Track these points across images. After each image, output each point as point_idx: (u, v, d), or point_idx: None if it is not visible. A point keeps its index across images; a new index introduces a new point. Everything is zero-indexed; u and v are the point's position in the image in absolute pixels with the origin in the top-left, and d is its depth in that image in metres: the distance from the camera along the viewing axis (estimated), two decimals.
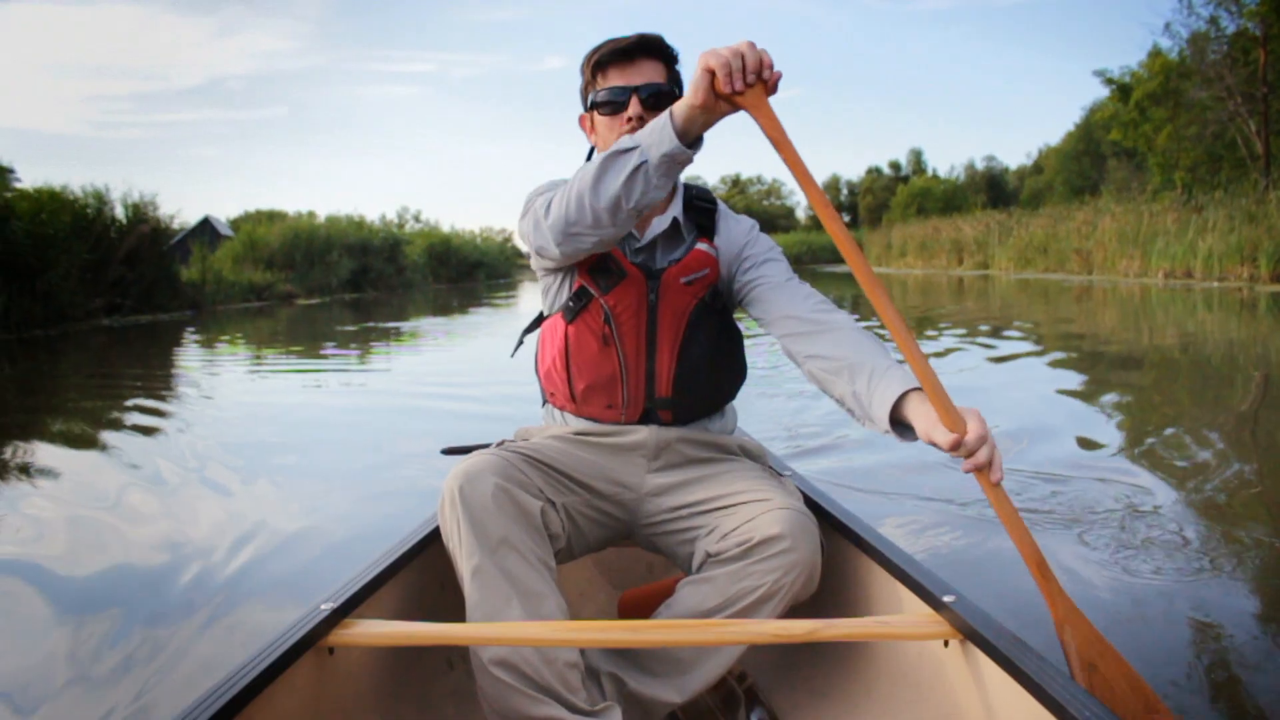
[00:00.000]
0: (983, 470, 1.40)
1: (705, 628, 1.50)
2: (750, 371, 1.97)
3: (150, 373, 9.61)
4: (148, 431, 5.81)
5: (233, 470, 4.56)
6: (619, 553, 2.36)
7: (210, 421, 6.19)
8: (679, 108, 1.48)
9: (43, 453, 5.35)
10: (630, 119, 1.75)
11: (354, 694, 1.58)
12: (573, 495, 1.76)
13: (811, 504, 1.88)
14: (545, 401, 1.97)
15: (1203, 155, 24.18)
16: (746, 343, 1.94)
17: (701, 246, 1.82)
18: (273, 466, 4.72)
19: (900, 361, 1.58)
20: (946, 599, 1.47)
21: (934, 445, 1.42)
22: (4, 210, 13.75)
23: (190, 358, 11.16)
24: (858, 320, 1.76)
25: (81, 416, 6.71)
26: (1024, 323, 11.64)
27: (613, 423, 1.83)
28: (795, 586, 1.59)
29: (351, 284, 26.92)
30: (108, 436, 5.73)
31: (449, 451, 2.16)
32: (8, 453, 5.31)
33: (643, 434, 1.82)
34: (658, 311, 1.77)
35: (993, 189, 57.49)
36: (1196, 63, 24.66)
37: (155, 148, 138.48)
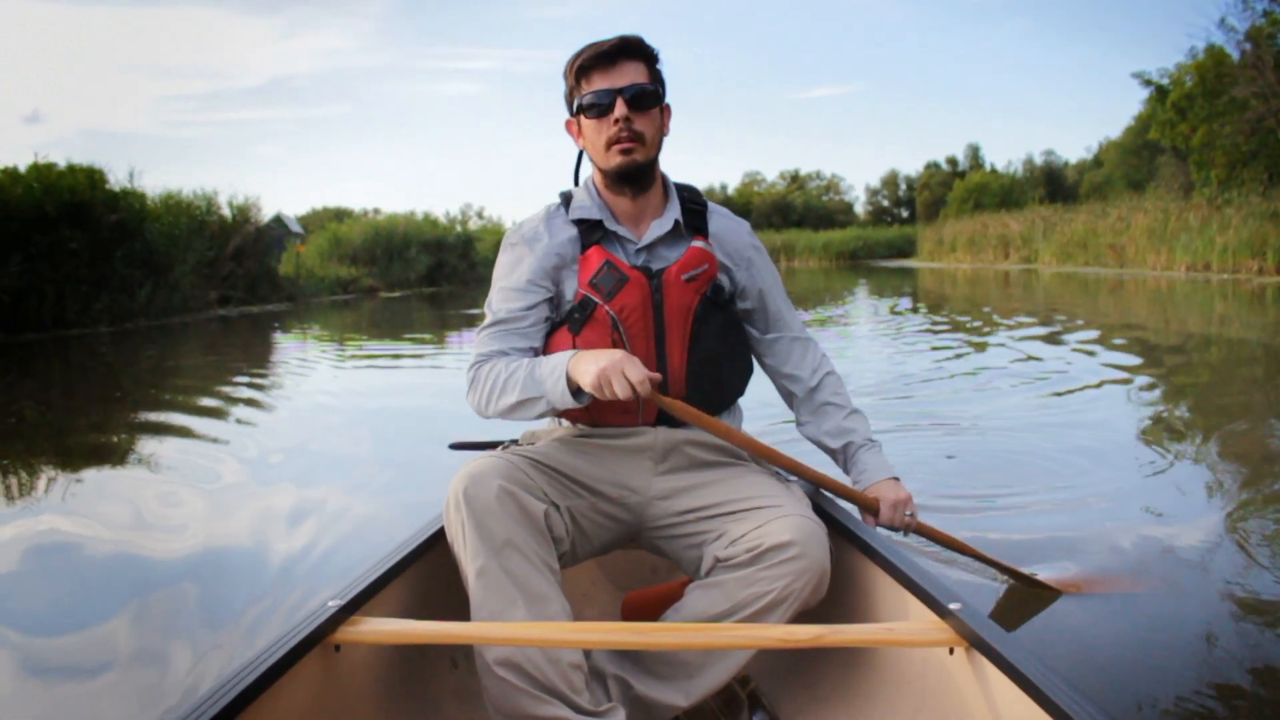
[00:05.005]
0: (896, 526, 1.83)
1: (710, 631, 1.53)
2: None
3: (252, 358, 11.07)
4: (231, 417, 6.50)
5: (301, 460, 5.04)
6: (622, 555, 2.34)
7: (293, 411, 6.87)
8: (587, 379, 1.63)
9: (145, 438, 5.95)
10: (617, 120, 1.78)
11: (359, 691, 1.61)
12: (577, 498, 1.77)
13: (819, 509, 1.87)
14: (555, 419, 1.98)
15: (1239, 154, 24.70)
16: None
17: (698, 244, 1.86)
18: (337, 455, 5.15)
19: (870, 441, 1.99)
20: (952, 606, 1.47)
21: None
22: (140, 213, 15.80)
23: (287, 347, 12.48)
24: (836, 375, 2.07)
25: (177, 405, 7.27)
26: (1065, 316, 12.62)
27: (627, 425, 1.85)
28: (805, 593, 1.61)
29: (428, 279, 28.62)
30: (201, 424, 6.24)
31: (457, 446, 2.15)
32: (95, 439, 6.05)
33: (649, 436, 1.83)
34: (664, 310, 1.80)
35: (1051, 183, 57.36)
36: (1251, 58, 25.02)
37: (221, 145, 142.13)
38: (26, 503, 4.33)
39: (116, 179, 16.02)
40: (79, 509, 4.15)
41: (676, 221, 1.88)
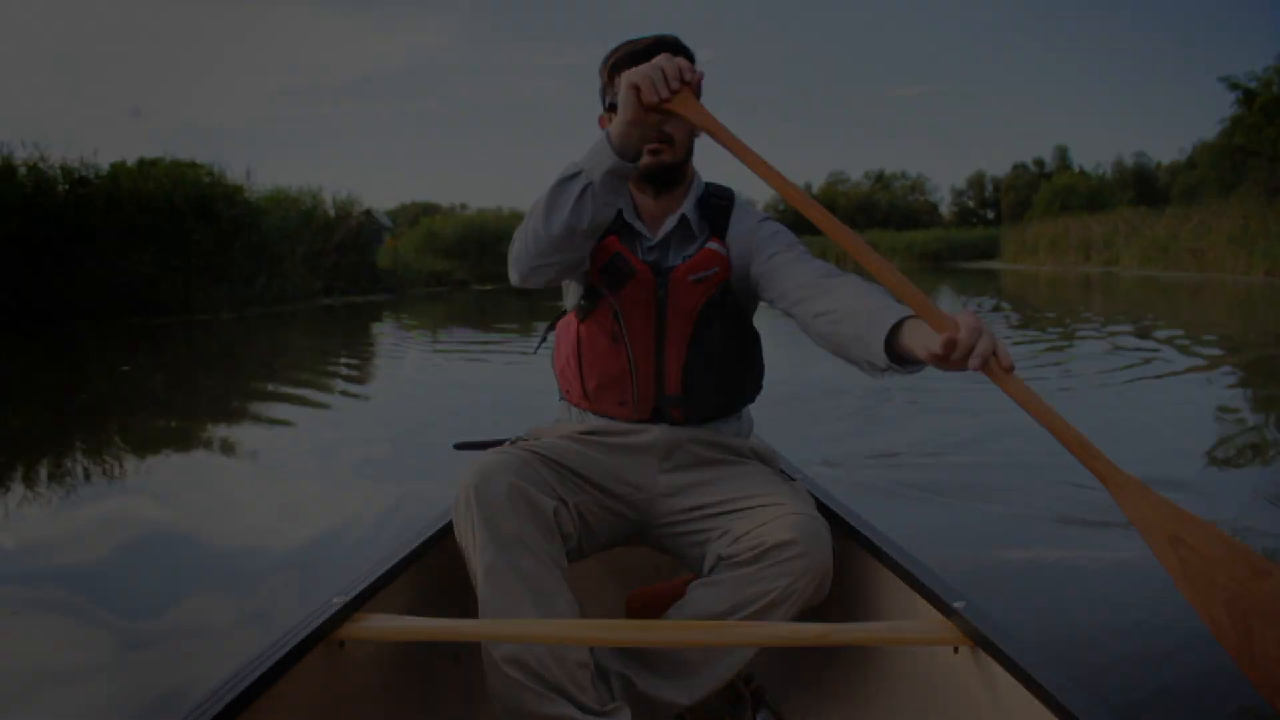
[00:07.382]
0: (989, 362, 1.24)
1: (716, 629, 1.54)
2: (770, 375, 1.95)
3: (356, 345, 11.85)
4: (334, 407, 6.93)
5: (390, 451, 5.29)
6: (627, 552, 2.31)
7: (384, 398, 7.31)
8: (614, 127, 1.52)
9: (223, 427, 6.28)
10: None
11: (364, 688, 1.60)
12: (585, 495, 1.76)
13: (823, 508, 1.85)
14: (561, 397, 1.98)
15: None
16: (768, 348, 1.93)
17: (712, 245, 1.81)
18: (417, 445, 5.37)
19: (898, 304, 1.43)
20: (957, 605, 1.46)
21: (935, 358, 1.27)
22: (256, 207, 17.11)
23: (389, 335, 13.34)
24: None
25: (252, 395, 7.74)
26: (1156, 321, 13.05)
27: (625, 420, 1.84)
28: (807, 591, 1.60)
29: None
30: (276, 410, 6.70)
31: (461, 446, 2.14)
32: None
33: (654, 434, 1.82)
34: (666, 309, 1.77)
35: (1141, 185, 56.06)
36: None
37: (312, 140, 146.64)
38: (114, 477, 4.68)
39: (234, 175, 17.39)
40: (172, 484, 4.51)
41: (684, 218, 1.83)
